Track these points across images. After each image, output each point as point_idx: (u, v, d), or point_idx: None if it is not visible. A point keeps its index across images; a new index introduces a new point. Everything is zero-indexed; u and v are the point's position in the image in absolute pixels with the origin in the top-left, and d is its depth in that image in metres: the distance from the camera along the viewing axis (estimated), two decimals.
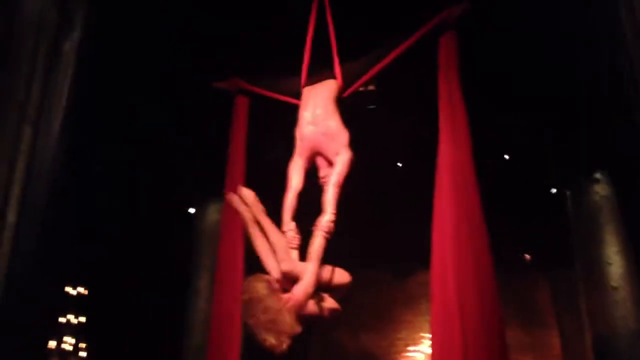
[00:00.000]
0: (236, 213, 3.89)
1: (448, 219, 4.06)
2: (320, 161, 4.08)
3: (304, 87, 4.30)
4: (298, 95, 4.34)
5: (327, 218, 3.74)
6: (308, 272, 3.49)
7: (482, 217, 4.07)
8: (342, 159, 3.96)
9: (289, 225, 3.80)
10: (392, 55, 4.37)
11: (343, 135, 4.07)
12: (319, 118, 4.07)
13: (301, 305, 3.39)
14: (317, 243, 3.64)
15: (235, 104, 4.85)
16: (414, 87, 5.64)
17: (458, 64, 4.35)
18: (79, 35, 3.43)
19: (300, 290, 3.42)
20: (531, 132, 6.65)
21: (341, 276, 3.69)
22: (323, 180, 3.99)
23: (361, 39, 4.50)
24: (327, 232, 3.68)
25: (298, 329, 3.29)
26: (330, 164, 4.01)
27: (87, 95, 3.48)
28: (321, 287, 3.55)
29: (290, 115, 4.31)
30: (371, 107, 5.87)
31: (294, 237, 3.74)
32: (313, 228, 3.71)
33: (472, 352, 3.68)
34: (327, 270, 3.64)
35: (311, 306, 3.44)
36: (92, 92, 3.56)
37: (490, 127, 6.26)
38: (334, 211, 3.77)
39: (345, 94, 4.33)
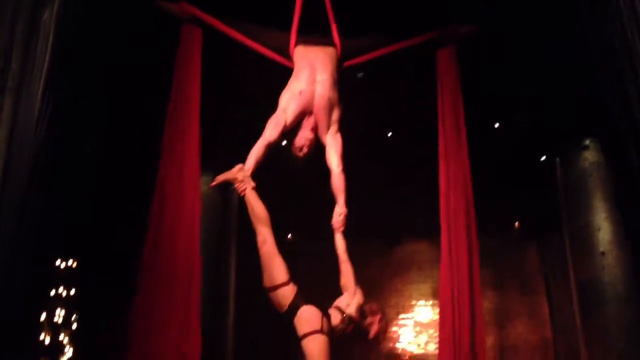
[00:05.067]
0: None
1: (452, 193, 4.17)
2: (307, 122, 4.02)
3: (295, 45, 4.21)
4: (282, 51, 4.24)
5: (340, 212, 3.90)
6: (350, 278, 3.79)
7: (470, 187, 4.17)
8: (337, 144, 3.99)
9: (248, 169, 3.82)
10: (391, 48, 4.38)
11: (339, 110, 4.07)
12: (327, 82, 4.02)
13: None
14: (341, 242, 3.89)
15: (181, 33, 4.35)
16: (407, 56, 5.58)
17: (458, 78, 4.40)
18: (58, 4, 3.34)
19: (354, 306, 3.64)
20: (521, 100, 6.62)
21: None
22: (307, 141, 3.96)
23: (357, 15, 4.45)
24: (343, 227, 3.91)
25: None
26: (313, 129, 3.98)
27: (67, 63, 3.40)
28: None
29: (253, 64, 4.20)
30: (360, 74, 5.80)
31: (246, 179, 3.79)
32: (332, 227, 3.91)
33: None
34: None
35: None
36: (72, 61, 3.48)
37: (481, 96, 6.24)
38: (345, 202, 3.90)
39: (346, 64, 4.30)
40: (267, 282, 3.65)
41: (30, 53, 3.21)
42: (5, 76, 3.09)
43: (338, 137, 4.04)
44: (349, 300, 3.66)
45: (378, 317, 3.62)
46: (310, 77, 4.02)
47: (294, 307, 3.51)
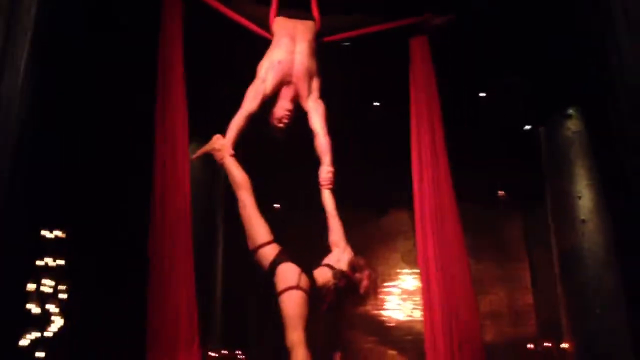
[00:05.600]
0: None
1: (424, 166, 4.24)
2: (285, 92, 4.06)
3: (275, 16, 4.24)
4: (261, 22, 4.27)
5: (327, 170, 3.92)
6: (339, 234, 3.88)
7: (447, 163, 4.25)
8: (320, 109, 4.04)
9: (227, 139, 3.90)
10: (367, 30, 4.44)
11: (318, 79, 4.12)
12: (305, 51, 4.09)
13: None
14: (330, 199, 3.99)
15: (163, 4, 4.36)
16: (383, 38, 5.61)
17: (431, 66, 4.46)
18: None
19: (344, 261, 3.71)
20: (505, 69, 6.65)
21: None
22: (286, 113, 4.01)
23: None
24: (331, 185, 3.99)
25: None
26: (292, 100, 4.02)
27: (52, 32, 3.38)
28: None
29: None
30: (346, 43, 5.79)
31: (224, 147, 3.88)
32: (319, 184, 3.99)
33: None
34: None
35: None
36: (58, 29, 3.46)
37: (465, 66, 6.26)
38: (331, 161, 3.92)
39: (325, 39, 4.35)
40: (250, 244, 3.75)
41: (12, 20, 3.19)
42: None
43: (320, 102, 4.10)
44: (339, 255, 3.72)
45: (367, 272, 3.68)
46: (289, 46, 4.08)
47: (274, 265, 3.58)
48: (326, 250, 3.90)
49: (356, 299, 3.73)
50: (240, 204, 3.80)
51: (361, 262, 3.75)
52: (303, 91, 4.06)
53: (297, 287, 3.43)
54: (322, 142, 4.01)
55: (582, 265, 6.58)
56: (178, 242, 4.02)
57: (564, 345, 7.05)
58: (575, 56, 5.71)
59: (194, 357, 3.83)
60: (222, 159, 3.92)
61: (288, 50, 4.05)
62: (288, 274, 3.51)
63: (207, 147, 4.01)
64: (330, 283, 3.57)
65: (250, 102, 3.99)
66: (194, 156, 4.07)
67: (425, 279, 4.16)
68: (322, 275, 3.62)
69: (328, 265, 3.67)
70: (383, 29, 4.51)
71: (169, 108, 4.16)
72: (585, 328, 6.46)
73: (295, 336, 3.29)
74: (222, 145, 3.93)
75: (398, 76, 5.37)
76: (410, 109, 4.50)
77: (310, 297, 3.45)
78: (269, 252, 3.65)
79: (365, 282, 3.65)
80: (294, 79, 4.03)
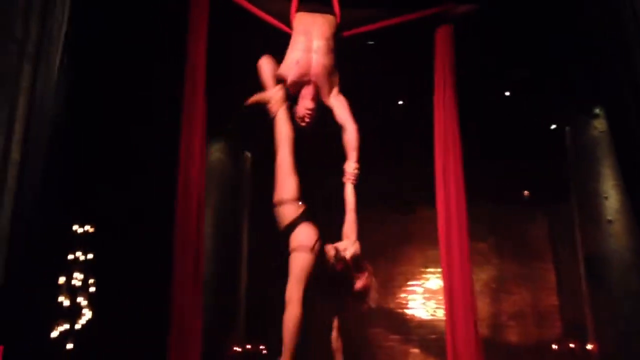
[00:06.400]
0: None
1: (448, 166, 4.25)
2: (305, 92, 4.09)
3: (296, 12, 4.28)
4: (283, 18, 4.31)
5: (354, 166, 3.99)
6: (352, 228, 3.86)
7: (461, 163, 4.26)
8: (343, 103, 4.08)
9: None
10: (389, 22, 4.43)
11: (337, 75, 4.15)
12: (322, 49, 4.09)
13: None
14: (351, 194, 3.97)
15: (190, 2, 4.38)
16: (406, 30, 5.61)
17: (453, 55, 4.44)
18: None
19: (350, 252, 3.71)
20: (532, 68, 6.61)
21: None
22: (307, 112, 4.04)
23: None
24: (355, 180, 3.99)
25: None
26: (313, 99, 4.05)
27: (85, 29, 3.47)
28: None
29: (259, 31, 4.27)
30: (370, 42, 5.82)
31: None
32: (343, 179, 3.99)
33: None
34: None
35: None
36: (90, 26, 3.56)
37: (491, 64, 6.24)
38: (357, 158, 4.00)
39: (345, 34, 4.36)
40: (276, 196, 3.82)
41: (47, 21, 3.29)
42: (24, 44, 3.17)
43: (341, 97, 4.11)
44: (347, 245, 3.75)
45: (366, 274, 3.70)
46: (306, 44, 4.10)
47: (296, 223, 3.66)
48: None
49: (349, 294, 3.74)
50: (278, 159, 3.89)
51: (366, 265, 3.77)
52: (323, 89, 4.08)
53: (311, 249, 3.53)
54: (351, 137, 4.02)
55: (608, 266, 6.52)
56: (198, 236, 4.10)
57: (589, 346, 6.98)
58: (602, 55, 5.66)
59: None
60: (274, 112, 3.99)
61: (305, 49, 4.07)
62: (306, 234, 3.60)
63: (261, 96, 4.07)
64: (330, 262, 3.62)
65: (269, 83, 4.10)
66: (247, 102, 4.11)
67: (447, 278, 4.14)
68: (328, 251, 3.67)
69: (335, 248, 3.71)
70: (406, 20, 4.47)
71: (192, 105, 4.23)
72: (611, 330, 6.40)
73: (294, 293, 3.43)
74: (276, 97, 4.00)
75: (423, 71, 5.37)
76: (434, 102, 4.44)
77: (316, 264, 3.54)
78: (293, 210, 3.73)
79: (360, 283, 3.66)
80: (313, 78, 4.05)
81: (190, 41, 4.31)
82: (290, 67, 4.07)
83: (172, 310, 3.90)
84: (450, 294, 4.05)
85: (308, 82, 4.06)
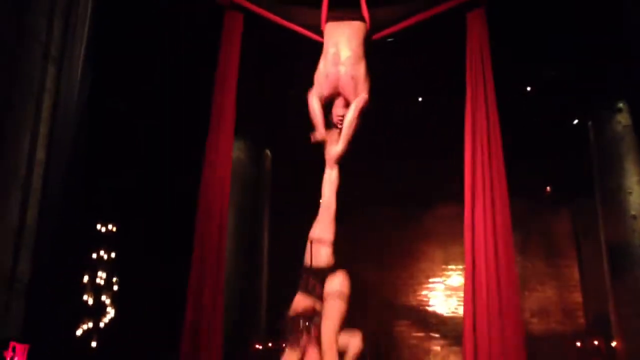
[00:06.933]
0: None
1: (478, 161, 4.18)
2: (338, 100, 4.14)
3: (326, 22, 4.29)
4: (315, 28, 4.33)
5: (337, 149, 3.99)
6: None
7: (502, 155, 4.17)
8: (358, 100, 4.06)
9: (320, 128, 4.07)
10: (422, 16, 4.40)
11: (367, 81, 4.14)
12: (350, 60, 4.11)
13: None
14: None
15: (225, 20, 4.50)
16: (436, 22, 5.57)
17: (487, 40, 4.36)
18: None
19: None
20: (554, 63, 6.54)
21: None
22: (339, 119, 4.09)
23: None
24: (337, 164, 4.00)
25: None
26: (347, 105, 4.09)
27: (107, 31, 3.52)
28: None
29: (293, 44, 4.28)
30: (390, 39, 5.80)
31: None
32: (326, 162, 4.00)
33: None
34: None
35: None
36: (112, 28, 3.60)
37: (513, 59, 6.18)
38: (344, 145, 3.99)
39: (375, 37, 4.36)
40: (314, 234, 3.89)
41: (70, 21, 3.33)
42: (48, 46, 3.22)
43: (363, 97, 4.10)
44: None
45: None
46: (334, 58, 4.14)
47: (330, 269, 3.77)
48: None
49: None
50: (326, 200, 4.00)
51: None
52: (350, 97, 4.11)
53: (349, 299, 3.70)
54: (346, 124, 4.03)
55: (633, 262, 6.43)
56: (220, 235, 4.15)
57: (614, 343, 6.90)
58: (626, 50, 5.60)
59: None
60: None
61: (334, 62, 4.12)
62: (346, 284, 3.76)
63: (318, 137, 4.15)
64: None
65: (317, 110, 4.13)
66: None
67: (470, 275, 4.06)
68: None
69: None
70: (438, 11, 4.44)
71: (222, 110, 4.30)
72: (636, 325, 6.32)
73: (333, 341, 3.55)
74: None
75: (442, 69, 5.33)
76: (466, 90, 4.34)
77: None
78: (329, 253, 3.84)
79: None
80: (341, 90, 4.11)
81: (223, 44, 4.40)
82: (320, 82, 4.13)
83: (190, 308, 3.95)
84: (472, 291, 3.99)
85: (338, 94, 4.12)
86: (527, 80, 6.98)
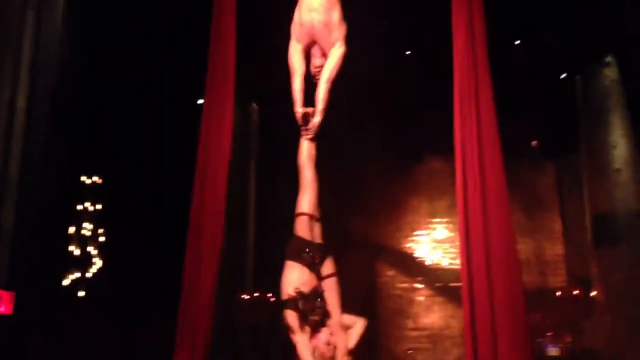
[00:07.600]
0: None
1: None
2: (314, 50, 4.08)
3: None
4: None
5: (316, 120, 3.91)
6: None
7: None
8: (335, 53, 4.01)
9: (300, 105, 3.96)
10: None
11: (342, 28, 4.07)
12: (323, 6, 4.03)
13: None
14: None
15: None
16: None
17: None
18: None
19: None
20: (542, 17, 6.47)
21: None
22: (317, 70, 4.03)
23: None
24: (314, 134, 3.93)
25: None
26: (324, 54, 4.03)
27: None
28: None
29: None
30: None
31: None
32: (301, 132, 3.95)
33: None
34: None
35: None
36: None
37: (501, 13, 6.10)
38: (323, 111, 3.91)
39: None
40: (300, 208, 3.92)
41: None
42: None
43: (341, 48, 4.02)
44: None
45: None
46: (307, 5, 4.05)
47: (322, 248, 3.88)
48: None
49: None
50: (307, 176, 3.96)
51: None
52: (326, 45, 4.05)
53: None
54: (321, 90, 3.97)
55: (615, 214, 6.54)
56: (217, 191, 4.16)
57: (594, 293, 7.06)
58: (614, 3, 5.54)
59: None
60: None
61: (306, 10, 4.05)
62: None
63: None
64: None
65: (297, 63, 4.04)
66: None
67: (464, 227, 4.06)
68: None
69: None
70: None
71: (221, 75, 4.24)
72: (615, 276, 6.47)
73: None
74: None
75: (431, 21, 5.24)
76: (453, 43, 4.26)
77: None
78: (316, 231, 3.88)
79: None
80: (316, 38, 4.04)
81: (219, 18, 4.31)
82: (296, 31, 4.06)
83: (186, 264, 3.99)
84: (466, 243, 3.99)
85: (314, 43, 4.05)
86: (515, 34, 6.91)
